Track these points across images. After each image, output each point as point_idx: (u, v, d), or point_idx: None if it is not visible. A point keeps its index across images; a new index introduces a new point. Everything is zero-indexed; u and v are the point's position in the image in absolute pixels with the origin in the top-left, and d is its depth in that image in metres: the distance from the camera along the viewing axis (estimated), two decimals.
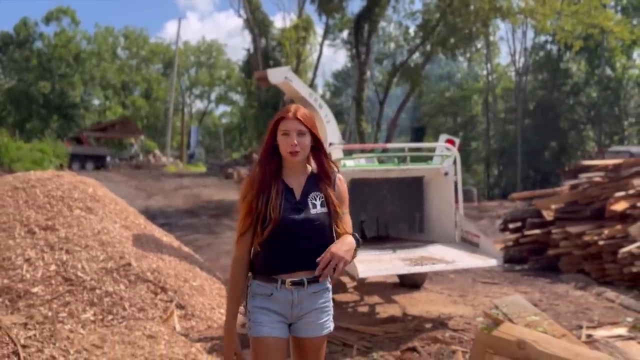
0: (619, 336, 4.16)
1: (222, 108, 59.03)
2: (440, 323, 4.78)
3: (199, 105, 58.44)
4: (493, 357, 2.83)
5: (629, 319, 4.78)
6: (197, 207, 15.82)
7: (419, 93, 23.86)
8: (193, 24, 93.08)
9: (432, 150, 5.73)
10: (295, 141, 2.11)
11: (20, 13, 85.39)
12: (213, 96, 56.53)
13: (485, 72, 43.10)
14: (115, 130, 38.11)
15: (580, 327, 4.58)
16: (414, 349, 4.07)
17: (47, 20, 47.00)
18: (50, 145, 19.20)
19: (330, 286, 2.24)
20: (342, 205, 2.22)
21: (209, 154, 49.48)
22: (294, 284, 2.11)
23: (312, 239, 2.11)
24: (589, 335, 4.18)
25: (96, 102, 49.64)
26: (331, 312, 2.23)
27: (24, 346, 2.60)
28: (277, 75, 6.44)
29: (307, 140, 2.14)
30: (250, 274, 2.19)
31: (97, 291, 4.68)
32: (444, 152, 5.46)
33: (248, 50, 29.70)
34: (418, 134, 29.10)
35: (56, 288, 4.59)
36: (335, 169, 2.26)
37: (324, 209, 2.16)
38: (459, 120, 43.90)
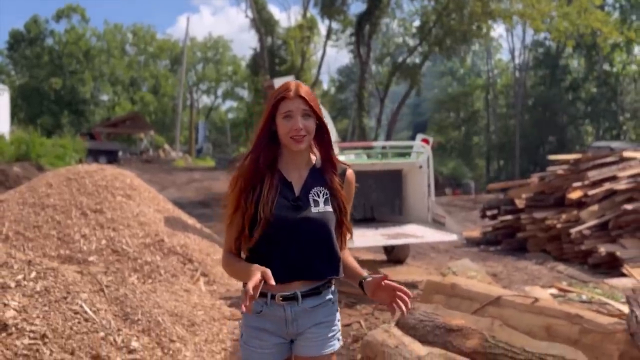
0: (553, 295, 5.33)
1: (229, 103, 60.11)
2: (412, 285, 5.95)
3: (205, 100, 59.67)
4: (434, 295, 4.00)
5: (564, 283, 5.95)
6: (208, 198, 16.92)
7: (417, 91, 24.96)
8: (206, 18, 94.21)
9: (411, 147, 6.89)
10: (300, 124, 1.74)
11: (31, 11, 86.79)
12: (220, 92, 57.78)
13: (486, 68, 44.07)
14: (126, 126, 39.38)
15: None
16: None
17: (58, 17, 48.34)
18: (70, 141, 20.55)
19: (333, 297, 1.87)
20: (349, 204, 1.93)
21: (215, 149, 50.64)
22: (285, 299, 1.76)
23: (310, 242, 1.78)
24: None
25: (105, 98, 50.95)
26: (338, 328, 1.88)
27: (106, 286, 3.77)
28: None
29: (313, 123, 1.78)
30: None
31: (139, 261, 5.87)
32: (419, 149, 6.62)
33: (255, 49, 30.90)
34: (419, 129, 30.24)
35: (107, 257, 5.79)
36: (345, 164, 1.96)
37: (328, 207, 1.83)
38: (461, 115, 44.90)
